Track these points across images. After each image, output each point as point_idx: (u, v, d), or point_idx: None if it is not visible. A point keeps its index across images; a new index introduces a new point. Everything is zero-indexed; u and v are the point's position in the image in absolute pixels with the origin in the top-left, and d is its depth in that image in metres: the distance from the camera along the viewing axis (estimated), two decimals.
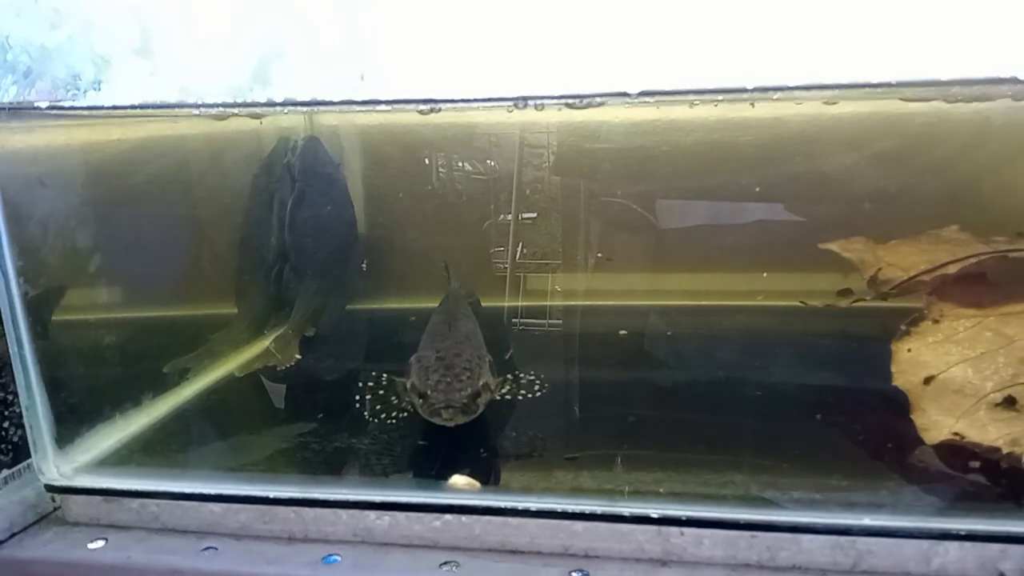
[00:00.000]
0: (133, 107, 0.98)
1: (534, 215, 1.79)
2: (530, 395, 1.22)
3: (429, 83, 0.99)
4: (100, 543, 1.00)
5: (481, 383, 1.12)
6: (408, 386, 1.16)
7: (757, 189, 1.61)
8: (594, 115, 1.64)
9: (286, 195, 1.65)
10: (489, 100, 0.96)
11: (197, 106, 0.97)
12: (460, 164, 1.78)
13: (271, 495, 0.99)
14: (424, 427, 1.13)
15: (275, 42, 1.12)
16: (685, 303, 1.73)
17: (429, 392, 1.09)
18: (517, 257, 1.79)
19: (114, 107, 0.97)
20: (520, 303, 1.77)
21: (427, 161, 1.76)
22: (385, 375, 1.24)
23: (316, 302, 1.62)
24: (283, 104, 0.95)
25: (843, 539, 0.87)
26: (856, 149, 1.57)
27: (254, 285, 1.66)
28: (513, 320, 1.73)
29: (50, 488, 1.05)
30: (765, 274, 1.64)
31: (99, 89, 1.09)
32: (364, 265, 1.81)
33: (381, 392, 1.23)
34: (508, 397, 1.21)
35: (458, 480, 1.00)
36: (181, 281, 1.58)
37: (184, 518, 1.01)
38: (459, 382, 1.10)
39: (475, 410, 1.09)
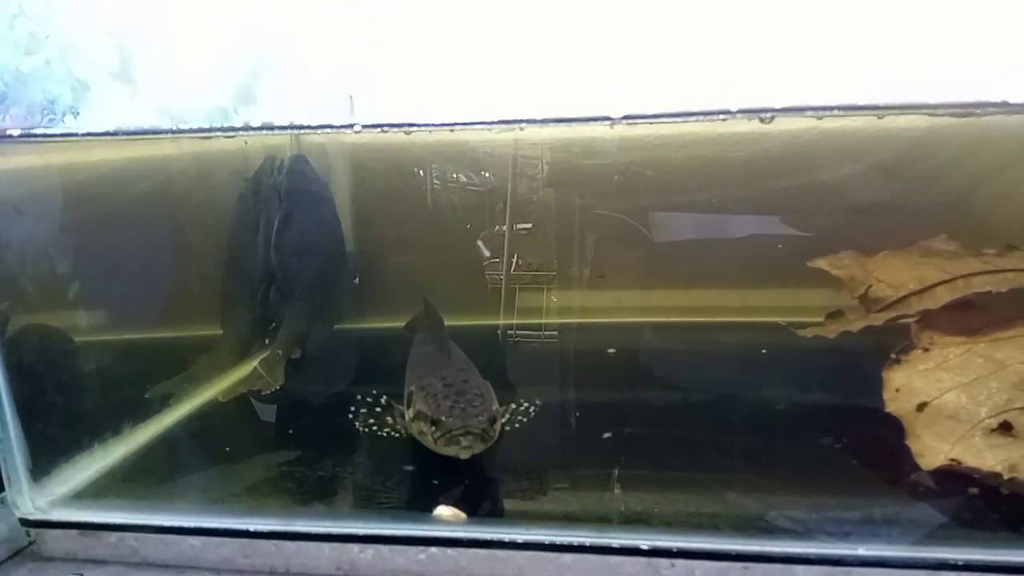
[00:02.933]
0: (108, 133, 0.95)
1: (529, 225, 1.78)
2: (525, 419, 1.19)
3: (420, 103, 0.96)
4: None
5: (494, 407, 1.08)
6: (412, 415, 1.10)
7: (748, 204, 1.60)
8: (585, 131, 1.63)
9: (272, 214, 1.62)
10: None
11: (175, 132, 0.94)
12: (454, 176, 1.77)
13: (252, 528, 0.96)
14: (411, 454, 1.11)
15: (260, 62, 1.10)
16: (678, 319, 1.71)
17: (443, 419, 1.03)
18: (512, 269, 1.77)
19: (88, 134, 0.95)
20: (515, 320, 1.75)
21: (421, 173, 1.74)
22: (385, 397, 1.21)
23: (303, 323, 1.60)
24: (262, 129, 0.92)
25: (837, 570, 0.85)
26: (848, 162, 1.56)
27: (240, 306, 1.64)
28: (508, 332, 1.70)
29: (24, 522, 1.02)
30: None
31: (77, 114, 1.06)
32: (356, 280, 1.79)
33: (378, 410, 1.20)
34: (507, 428, 1.17)
35: (443, 511, 0.98)
36: (165, 304, 1.56)
37: (164, 552, 0.99)
38: (473, 407, 1.05)
39: (492, 437, 1.04)
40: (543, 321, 1.71)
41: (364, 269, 1.81)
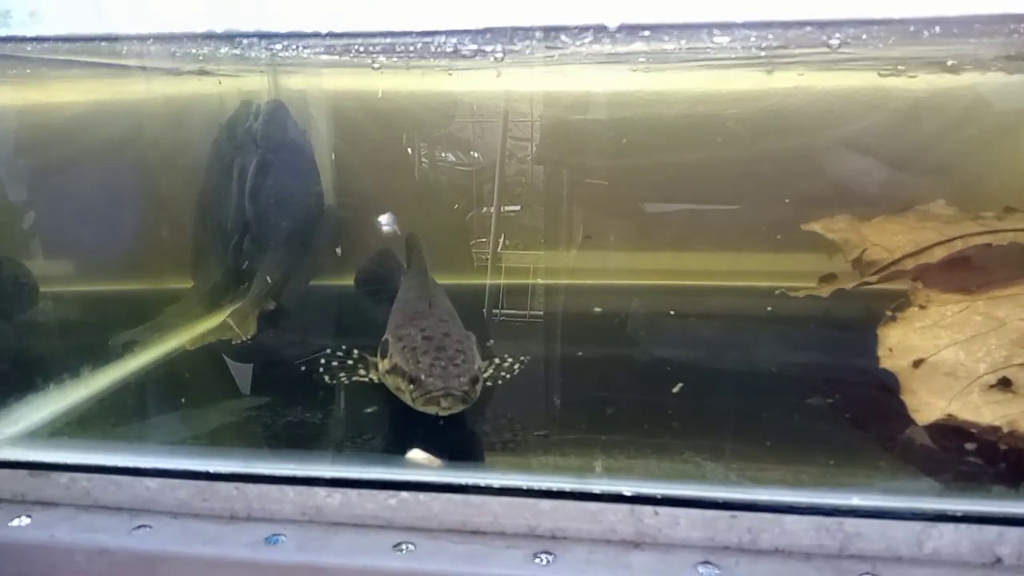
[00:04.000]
0: (62, 39, 0.88)
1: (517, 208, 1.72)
2: (509, 375, 1.14)
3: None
4: (23, 521, 0.91)
5: (476, 366, 1.02)
6: (389, 367, 1.04)
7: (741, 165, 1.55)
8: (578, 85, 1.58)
9: (248, 162, 1.56)
10: None
11: (136, 38, 0.87)
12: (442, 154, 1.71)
13: (211, 470, 0.91)
14: (383, 397, 1.05)
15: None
16: (668, 283, 1.67)
17: (423, 377, 0.97)
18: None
19: (39, 38, 0.88)
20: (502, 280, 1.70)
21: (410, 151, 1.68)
22: (356, 351, 1.15)
23: (277, 275, 1.54)
24: (229, 35, 0.85)
25: (829, 520, 0.80)
26: (841, 124, 1.52)
27: (212, 256, 1.58)
28: (494, 311, 1.64)
29: None
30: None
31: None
32: (339, 250, 1.73)
33: (349, 363, 1.14)
34: (489, 383, 1.12)
35: (416, 455, 0.92)
36: (133, 252, 1.49)
37: (117, 494, 0.93)
38: (455, 366, 0.98)
39: (473, 398, 0.98)
40: (531, 281, 1.66)
41: (341, 224, 1.74)
